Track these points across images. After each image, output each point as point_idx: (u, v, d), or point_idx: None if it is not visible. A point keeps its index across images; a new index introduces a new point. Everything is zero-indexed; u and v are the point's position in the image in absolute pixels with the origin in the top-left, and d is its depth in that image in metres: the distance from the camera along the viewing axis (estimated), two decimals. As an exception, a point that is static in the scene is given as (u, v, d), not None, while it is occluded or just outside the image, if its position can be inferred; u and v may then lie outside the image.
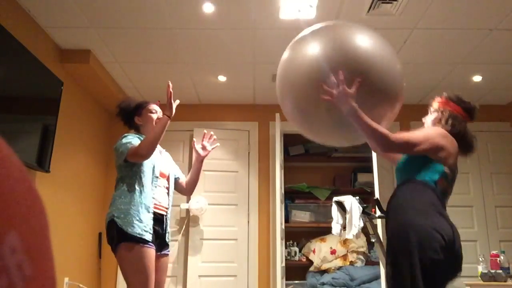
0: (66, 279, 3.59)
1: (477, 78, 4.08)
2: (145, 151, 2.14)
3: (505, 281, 3.30)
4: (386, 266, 1.80)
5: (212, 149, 2.55)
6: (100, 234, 4.31)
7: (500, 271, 3.34)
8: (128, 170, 2.22)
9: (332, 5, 2.92)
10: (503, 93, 4.46)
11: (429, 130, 1.93)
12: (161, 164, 2.38)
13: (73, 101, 3.76)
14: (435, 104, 2.10)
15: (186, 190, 2.58)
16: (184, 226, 4.39)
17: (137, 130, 2.42)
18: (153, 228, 2.20)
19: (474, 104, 2.04)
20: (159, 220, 2.28)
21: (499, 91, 4.41)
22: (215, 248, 4.33)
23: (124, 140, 2.25)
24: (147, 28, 3.20)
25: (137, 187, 2.19)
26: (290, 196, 5.00)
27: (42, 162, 3.07)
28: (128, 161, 2.20)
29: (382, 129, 1.78)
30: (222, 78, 4.13)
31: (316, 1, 2.87)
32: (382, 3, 2.88)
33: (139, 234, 2.09)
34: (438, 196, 1.81)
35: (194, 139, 2.70)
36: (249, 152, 4.66)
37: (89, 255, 4.09)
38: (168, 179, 2.43)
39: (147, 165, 2.25)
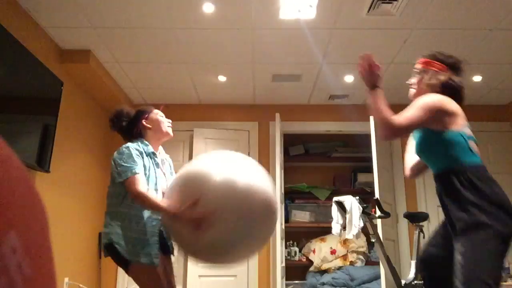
0: (66, 279, 3.59)
1: (477, 78, 4.08)
2: (137, 202, 2.02)
3: (505, 281, 3.30)
4: (457, 255, 1.73)
5: None
6: (100, 234, 4.31)
7: (500, 271, 3.34)
8: (124, 189, 2.07)
9: (332, 5, 2.92)
10: (503, 93, 4.46)
11: (422, 99, 1.87)
12: (159, 175, 2.24)
13: (73, 101, 3.76)
14: (418, 65, 2.06)
15: None
16: (184, 226, 4.39)
17: (139, 136, 2.27)
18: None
19: (457, 58, 2.01)
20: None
21: (499, 91, 4.41)
22: (215, 248, 4.32)
23: (128, 162, 2.05)
24: (147, 28, 3.20)
25: (140, 209, 2.06)
26: (290, 196, 5.00)
27: (42, 162, 3.07)
28: None
29: (388, 114, 1.80)
30: (222, 78, 4.13)
31: (316, 1, 2.87)
32: (382, 3, 2.88)
33: (148, 262, 2.02)
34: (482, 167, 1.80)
35: None
36: (249, 152, 4.66)
37: (89, 255, 4.09)
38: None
39: (149, 181, 2.13)
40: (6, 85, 2.71)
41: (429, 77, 1.97)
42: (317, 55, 3.63)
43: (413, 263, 2.94)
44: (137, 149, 2.14)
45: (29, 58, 2.90)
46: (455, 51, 3.54)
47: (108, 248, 2.06)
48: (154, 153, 2.24)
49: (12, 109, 2.79)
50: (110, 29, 3.23)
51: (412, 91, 2.09)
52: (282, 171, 4.49)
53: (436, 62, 2.00)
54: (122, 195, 2.09)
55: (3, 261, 0.28)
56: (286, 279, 4.56)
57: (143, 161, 2.14)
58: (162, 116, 2.36)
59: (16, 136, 2.81)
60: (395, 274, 2.80)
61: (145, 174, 2.12)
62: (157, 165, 2.24)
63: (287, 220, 4.74)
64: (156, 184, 2.16)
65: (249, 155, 4.64)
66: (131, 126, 2.32)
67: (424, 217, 2.98)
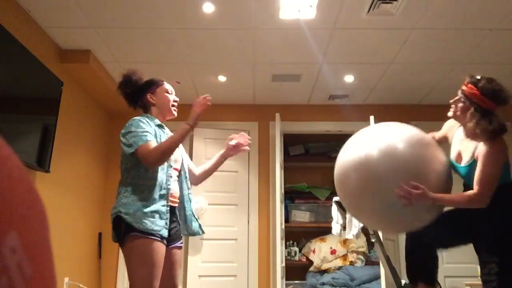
0: (66, 279, 3.59)
1: (477, 78, 4.07)
2: (156, 159, 1.94)
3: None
4: (490, 264, 1.97)
5: (241, 151, 2.44)
6: (100, 234, 4.31)
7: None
8: (136, 160, 2.00)
9: (332, 5, 2.92)
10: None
11: (487, 157, 1.96)
12: (178, 154, 2.19)
13: (73, 101, 3.76)
14: (467, 92, 2.04)
15: (197, 179, 2.42)
16: (184, 226, 4.39)
17: (145, 109, 2.20)
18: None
19: (507, 93, 2.03)
20: (171, 211, 2.09)
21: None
22: (215, 248, 4.33)
23: (137, 130, 2.00)
24: (147, 28, 3.20)
25: (148, 179, 2.00)
26: (290, 196, 5.00)
27: (42, 162, 3.07)
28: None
29: (467, 197, 1.99)
30: (222, 78, 4.13)
31: (316, 1, 2.87)
32: (382, 3, 2.88)
33: (152, 230, 1.92)
34: None
35: (233, 135, 2.51)
36: (249, 152, 4.66)
37: (89, 255, 4.09)
38: (180, 166, 2.23)
39: None
40: (6, 85, 2.71)
41: (477, 117, 1.98)
42: (317, 55, 3.63)
43: (413, 263, 2.94)
44: (145, 120, 2.08)
45: (29, 58, 2.90)
46: (455, 51, 3.55)
47: (114, 222, 1.97)
48: (161, 125, 2.17)
49: (12, 109, 2.79)
50: (110, 29, 3.23)
51: (452, 113, 2.13)
52: (282, 171, 4.49)
53: (486, 98, 1.99)
54: (131, 167, 2.02)
55: (3, 261, 0.28)
56: (286, 279, 4.56)
57: (153, 131, 2.06)
58: (171, 93, 2.24)
59: (16, 136, 2.81)
60: (395, 274, 2.80)
61: (157, 142, 2.04)
62: (167, 135, 2.17)
63: (287, 220, 4.74)
64: (169, 163, 2.09)
65: (249, 155, 4.64)
66: (136, 96, 2.22)
67: (424, 217, 2.98)
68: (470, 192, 1.97)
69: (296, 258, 4.77)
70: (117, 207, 1.98)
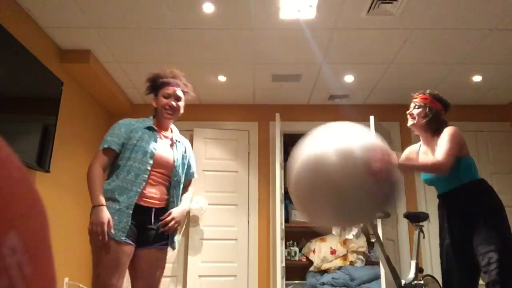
0: (66, 279, 3.59)
1: (477, 78, 4.08)
2: (87, 175, 2.11)
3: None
4: (488, 253, 2.11)
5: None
6: (100, 234, 4.30)
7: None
8: (114, 160, 2.14)
9: (332, 5, 2.92)
10: (503, 93, 4.46)
11: (450, 133, 2.26)
12: (163, 151, 2.15)
13: (73, 101, 3.76)
14: (417, 100, 2.47)
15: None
16: (184, 226, 4.39)
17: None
18: (135, 220, 2.01)
19: (447, 101, 2.48)
20: (144, 211, 2.05)
21: (499, 91, 4.41)
22: (215, 248, 4.33)
23: (108, 132, 2.14)
24: (147, 28, 3.20)
25: (114, 175, 2.08)
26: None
27: (42, 162, 3.07)
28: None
29: (431, 162, 2.22)
30: (222, 78, 4.13)
31: (316, 1, 2.87)
32: (382, 3, 2.88)
33: (114, 230, 1.96)
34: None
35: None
36: (249, 152, 4.66)
37: (89, 255, 4.08)
38: (168, 170, 2.17)
39: (135, 150, 2.06)
40: (6, 85, 2.71)
41: (430, 115, 2.39)
42: (317, 55, 3.63)
43: (413, 263, 2.94)
44: (128, 124, 2.14)
45: (29, 58, 2.90)
46: (455, 51, 3.55)
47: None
48: (153, 128, 2.17)
49: (12, 109, 2.79)
50: (110, 29, 3.23)
51: (411, 121, 2.47)
52: (282, 171, 4.48)
53: (435, 99, 2.43)
54: (111, 165, 2.15)
55: (3, 261, 0.28)
56: (286, 279, 4.56)
57: (129, 134, 2.11)
58: (169, 97, 2.20)
59: (16, 136, 2.81)
60: (395, 274, 2.80)
61: (132, 144, 2.08)
62: (155, 139, 2.14)
63: (287, 220, 4.73)
64: (147, 156, 2.07)
65: (249, 155, 4.64)
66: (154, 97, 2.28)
67: (424, 217, 2.98)
68: (434, 159, 2.21)
69: (296, 258, 4.77)
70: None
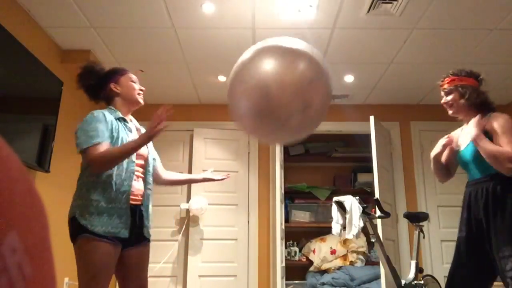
0: (66, 279, 3.59)
1: (477, 78, 4.07)
2: (102, 166, 1.84)
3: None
4: (509, 258, 1.91)
5: (219, 180, 2.38)
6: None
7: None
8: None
9: (332, 5, 2.92)
10: (503, 93, 4.46)
11: (508, 125, 2.07)
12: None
13: (73, 101, 3.76)
14: (445, 85, 2.24)
15: (160, 181, 2.29)
16: (184, 226, 4.39)
17: (108, 101, 2.09)
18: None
19: (480, 73, 2.26)
20: (132, 210, 1.98)
21: (499, 91, 4.41)
22: (215, 248, 4.33)
23: (88, 127, 1.88)
24: (147, 28, 3.20)
25: (103, 176, 1.89)
26: (290, 196, 5.00)
27: (42, 162, 3.07)
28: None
29: (507, 153, 1.97)
30: (222, 78, 4.13)
31: (316, 1, 2.87)
32: (382, 3, 2.88)
33: (104, 232, 1.84)
34: None
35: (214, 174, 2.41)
36: (249, 152, 4.66)
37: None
38: (145, 162, 2.10)
39: (117, 143, 1.95)
40: (6, 85, 2.71)
41: (466, 94, 2.17)
42: (317, 55, 3.62)
43: (413, 263, 2.94)
44: (101, 115, 1.95)
45: (29, 58, 2.90)
46: (455, 51, 3.55)
47: (71, 223, 1.90)
48: (123, 118, 2.06)
49: (12, 109, 2.79)
50: (110, 29, 3.23)
51: (450, 111, 2.26)
52: (282, 171, 4.49)
53: (464, 77, 2.20)
54: (85, 165, 1.94)
55: (3, 261, 0.28)
56: (286, 279, 4.56)
57: (110, 126, 1.95)
58: (135, 82, 2.14)
59: (16, 136, 2.81)
60: (395, 274, 2.80)
61: (112, 136, 1.94)
62: (129, 129, 2.06)
63: (287, 220, 4.74)
64: (127, 162, 1.98)
65: (249, 155, 4.64)
66: (98, 87, 2.09)
67: (424, 217, 2.98)
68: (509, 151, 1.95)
69: (296, 258, 4.77)
70: (72, 208, 1.92)
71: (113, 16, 3.05)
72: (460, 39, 3.37)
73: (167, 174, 2.34)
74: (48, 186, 3.33)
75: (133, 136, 2.06)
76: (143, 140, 1.86)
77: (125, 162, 1.96)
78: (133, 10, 2.97)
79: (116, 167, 1.93)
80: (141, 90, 2.16)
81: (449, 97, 2.21)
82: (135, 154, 1.99)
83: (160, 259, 4.27)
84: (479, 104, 2.16)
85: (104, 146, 1.87)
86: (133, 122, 2.18)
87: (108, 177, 1.91)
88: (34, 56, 2.94)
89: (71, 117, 3.72)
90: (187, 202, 4.37)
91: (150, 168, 2.15)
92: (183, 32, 3.27)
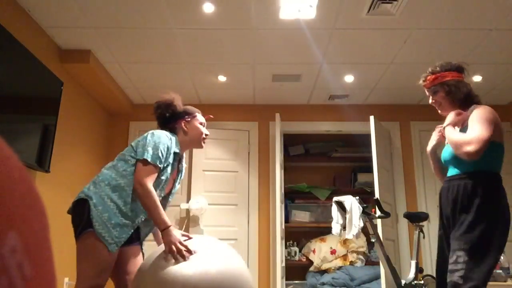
0: (66, 279, 3.59)
1: (477, 78, 4.08)
2: (139, 194, 1.92)
3: (505, 281, 3.30)
4: (459, 251, 1.88)
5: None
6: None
7: (500, 271, 3.34)
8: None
9: (332, 5, 2.92)
10: (503, 93, 4.46)
11: (482, 113, 1.97)
12: (168, 183, 2.18)
13: (73, 101, 3.76)
14: (429, 84, 2.19)
15: None
16: (184, 226, 4.39)
17: (172, 131, 2.21)
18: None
19: (459, 62, 2.21)
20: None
21: (499, 91, 4.41)
22: (215, 248, 4.32)
23: (160, 148, 2.00)
24: (147, 28, 3.20)
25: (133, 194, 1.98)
26: (290, 196, 5.00)
27: (42, 162, 3.07)
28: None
29: (463, 139, 1.92)
30: (222, 78, 4.13)
31: (316, 1, 2.87)
32: (382, 3, 2.88)
33: (112, 238, 1.90)
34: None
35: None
36: (249, 152, 4.66)
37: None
38: (172, 187, 2.25)
39: (161, 173, 2.04)
40: (6, 85, 2.71)
41: (452, 90, 2.11)
42: (317, 55, 3.63)
43: (413, 263, 2.94)
44: (169, 142, 2.06)
45: (29, 58, 2.90)
46: (455, 51, 3.55)
47: (78, 203, 1.93)
48: (179, 156, 2.18)
49: (12, 109, 2.79)
50: (110, 29, 3.23)
51: (440, 110, 2.20)
52: (282, 171, 4.49)
53: (448, 71, 2.15)
54: (130, 173, 2.00)
55: (3, 261, 0.28)
56: (286, 279, 4.56)
57: (168, 154, 2.05)
58: (203, 126, 2.27)
59: (16, 136, 2.81)
60: (395, 274, 2.80)
61: (163, 167, 2.04)
62: (177, 168, 2.20)
63: (287, 220, 4.74)
64: (163, 182, 2.08)
65: (249, 155, 4.64)
66: (171, 120, 2.22)
67: (424, 217, 2.98)
68: (469, 137, 1.89)
69: (296, 258, 4.77)
70: (91, 192, 1.94)
71: (113, 16, 3.05)
72: (460, 39, 3.37)
73: None
74: (48, 186, 3.33)
75: (171, 176, 2.14)
76: (162, 236, 1.89)
77: (156, 190, 2.03)
78: (133, 10, 2.97)
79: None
80: (206, 135, 2.27)
81: (435, 98, 2.17)
82: (167, 188, 2.14)
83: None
84: (463, 98, 2.09)
85: (155, 171, 1.99)
86: (182, 163, 2.27)
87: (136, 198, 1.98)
88: (34, 56, 2.94)
89: (71, 117, 3.72)
90: (187, 202, 4.37)
91: (172, 193, 2.27)
92: (183, 32, 3.27)
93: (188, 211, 4.37)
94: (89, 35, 3.31)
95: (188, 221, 4.38)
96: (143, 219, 2.04)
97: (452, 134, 1.98)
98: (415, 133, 4.70)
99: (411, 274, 2.89)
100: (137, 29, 3.21)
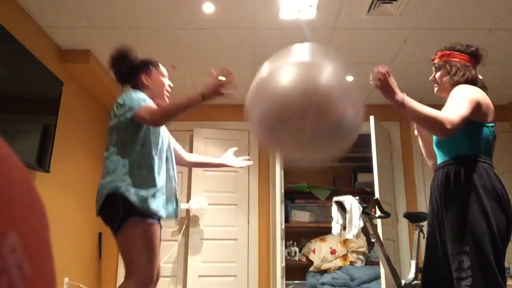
0: (66, 279, 3.59)
1: (477, 78, 4.08)
2: (160, 118, 1.80)
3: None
4: (459, 255, 1.71)
5: (238, 166, 2.43)
6: (100, 234, 4.31)
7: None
8: (133, 132, 1.89)
9: (332, 5, 2.92)
10: (503, 93, 4.46)
11: (463, 91, 1.82)
12: (165, 133, 2.08)
13: (73, 101, 3.76)
14: (437, 60, 2.06)
15: (184, 162, 2.34)
16: (184, 226, 4.39)
17: (135, 89, 2.06)
18: None
19: (477, 47, 2.00)
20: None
21: (499, 91, 4.41)
22: (215, 248, 4.33)
23: (135, 96, 1.88)
24: (147, 28, 3.20)
25: (145, 156, 1.88)
26: (290, 196, 5.00)
27: (42, 162, 3.07)
28: (133, 121, 1.87)
29: (436, 115, 1.69)
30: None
31: (316, 1, 2.87)
32: (382, 3, 2.88)
33: (153, 210, 1.81)
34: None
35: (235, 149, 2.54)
36: (249, 152, 4.66)
37: (89, 255, 4.09)
38: (167, 146, 2.12)
39: (155, 132, 1.94)
40: (6, 85, 2.71)
41: (455, 71, 1.95)
42: (317, 55, 3.62)
43: (413, 263, 2.94)
44: (143, 96, 1.95)
45: (29, 58, 2.90)
46: (455, 51, 3.55)
47: (110, 198, 1.80)
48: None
49: (12, 109, 2.79)
50: (110, 29, 3.23)
51: (436, 88, 2.09)
52: (282, 171, 4.49)
53: (459, 52, 1.98)
54: (127, 141, 1.89)
55: (3, 261, 0.28)
56: (286, 279, 4.56)
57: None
58: (165, 77, 2.14)
59: (16, 136, 2.81)
60: (395, 274, 2.80)
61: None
62: None
63: (287, 220, 4.74)
64: (161, 134, 2.00)
65: (249, 155, 4.64)
66: (129, 75, 2.09)
67: (424, 217, 2.98)
68: (443, 117, 1.69)
69: (296, 258, 4.77)
70: (114, 182, 1.82)
71: (113, 16, 3.05)
72: (460, 39, 3.35)
73: (192, 158, 2.39)
74: (48, 186, 3.33)
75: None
76: (196, 100, 1.83)
77: (158, 148, 1.95)
78: (133, 11, 2.97)
79: (152, 148, 1.91)
80: (170, 86, 2.15)
81: (437, 74, 2.03)
82: (166, 142, 2.03)
83: (160, 259, 4.28)
84: (463, 83, 1.90)
85: (152, 104, 1.87)
86: None
87: (148, 157, 1.89)
88: (34, 56, 2.94)
89: (71, 117, 3.72)
90: (187, 202, 4.37)
91: (171, 153, 2.13)
92: (183, 32, 3.27)
93: (188, 211, 4.37)
94: (89, 35, 3.31)
95: (188, 221, 4.39)
96: (165, 178, 1.96)
97: (416, 109, 1.76)
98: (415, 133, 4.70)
99: (411, 274, 2.89)
100: (137, 29, 3.21)
